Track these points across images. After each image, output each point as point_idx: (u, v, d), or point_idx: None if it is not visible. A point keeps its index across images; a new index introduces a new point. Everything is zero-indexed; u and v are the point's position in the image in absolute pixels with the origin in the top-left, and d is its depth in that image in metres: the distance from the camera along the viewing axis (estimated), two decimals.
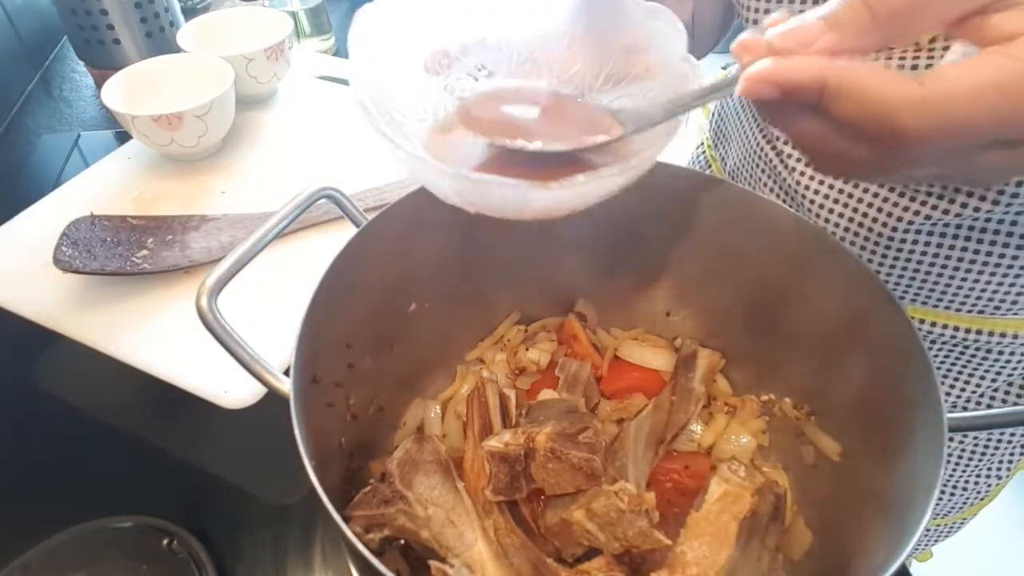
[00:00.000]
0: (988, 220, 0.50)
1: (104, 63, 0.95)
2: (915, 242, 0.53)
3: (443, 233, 0.51)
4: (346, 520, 0.32)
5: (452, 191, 0.37)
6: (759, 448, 0.52)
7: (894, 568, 0.31)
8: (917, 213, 0.52)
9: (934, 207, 0.51)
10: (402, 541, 0.44)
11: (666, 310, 0.58)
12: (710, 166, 0.77)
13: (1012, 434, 0.66)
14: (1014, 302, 0.54)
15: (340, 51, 1.12)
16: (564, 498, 0.44)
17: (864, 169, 0.31)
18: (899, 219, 0.53)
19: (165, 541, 0.51)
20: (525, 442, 0.44)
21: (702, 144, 0.81)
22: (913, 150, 0.27)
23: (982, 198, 0.49)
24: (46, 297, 0.63)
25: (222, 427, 0.60)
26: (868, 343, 0.43)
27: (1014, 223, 0.50)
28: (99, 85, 0.92)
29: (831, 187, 0.57)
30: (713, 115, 0.77)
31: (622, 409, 0.54)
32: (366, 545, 0.31)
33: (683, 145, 0.87)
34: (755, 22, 0.56)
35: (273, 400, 0.37)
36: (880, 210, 0.54)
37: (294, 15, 1.04)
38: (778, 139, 0.61)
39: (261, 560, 0.53)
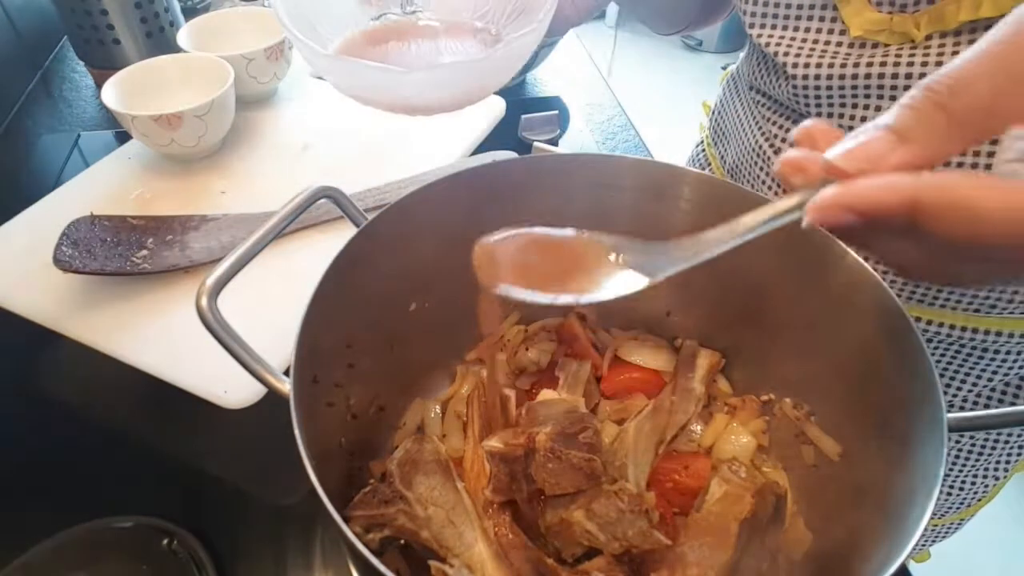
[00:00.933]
0: None
1: (104, 63, 0.95)
2: None
3: (443, 233, 0.51)
4: (346, 520, 0.32)
5: (333, 74, 0.45)
6: (759, 448, 0.52)
7: (894, 568, 0.31)
8: None
9: None
10: (402, 541, 0.44)
11: (666, 310, 0.58)
12: (709, 164, 0.77)
13: (1010, 434, 0.66)
14: (1010, 300, 0.54)
15: None
16: (564, 498, 0.44)
17: (970, 282, 0.29)
18: None
19: (165, 541, 0.51)
20: (525, 442, 0.44)
21: (702, 142, 0.81)
22: (990, 258, 0.25)
23: None
24: (46, 297, 0.63)
25: (222, 427, 0.60)
26: (868, 343, 0.43)
27: None
28: (99, 85, 0.92)
29: None
30: (713, 113, 0.77)
31: (622, 409, 0.54)
32: (366, 545, 0.31)
33: (683, 142, 0.88)
34: (751, 25, 0.56)
35: (273, 400, 0.37)
36: None
37: None
38: (776, 138, 0.61)
39: (261, 560, 0.53)
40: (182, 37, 0.85)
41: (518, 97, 1.04)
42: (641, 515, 0.42)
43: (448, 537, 0.42)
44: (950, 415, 0.36)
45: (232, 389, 0.56)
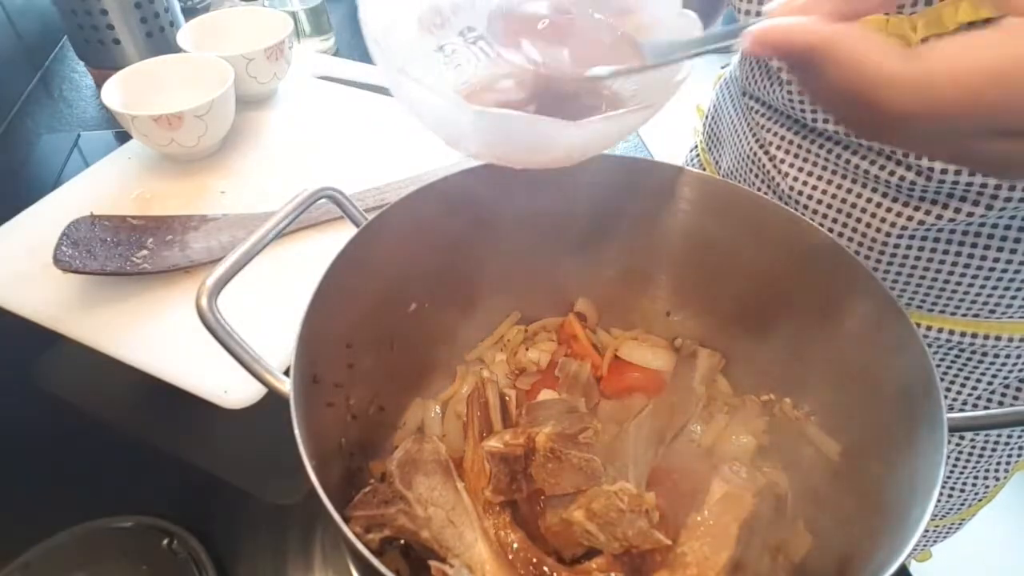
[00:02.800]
0: (982, 224, 0.50)
1: (104, 63, 0.95)
2: (908, 247, 0.53)
3: (443, 233, 0.51)
4: (346, 520, 0.32)
5: (474, 132, 0.36)
6: (759, 448, 0.52)
7: (894, 568, 0.31)
8: (910, 219, 0.52)
9: (927, 212, 0.51)
10: (402, 541, 0.44)
11: (666, 310, 0.58)
12: (704, 169, 0.77)
13: (1010, 435, 0.67)
14: (1008, 305, 0.54)
15: (340, 51, 1.12)
16: (564, 498, 0.44)
17: (868, 133, 0.30)
18: (892, 224, 0.53)
19: (165, 541, 0.51)
20: (525, 442, 0.44)
21: (696, 147, 0.81)
22: (895, 126, 0.26)
23: (975, 203, 0.49)
24: (46, 297, 0.63)
25: (222, 427, 0.60)
26: (869, 343, 0.43)
27: (1008, 227, 0.50)
28: (99, 85, 0.92)
29: (823, 192, 0.56)
30: (707, 118, 0.77)
31: (622, 409, 0.54)
32: (366, 545, 0.31)
33: (683, 143, 0.87)
34: (747, 12, 0.55)
35: (273, 400, 0.37)
36: (874, 215, 0.54)
37: (294, 15, 1.04)
38: (770, 144, 0.61)
39: (261, 560, 0.53)
40: (182, 37, 0.85)
41: None
42: (641, 515, 0.42)
43: (448, 537, 0.41)
44: (950, 415, 0.36)
45: (232, 389, 0.56)
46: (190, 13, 1.01)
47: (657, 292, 0.58)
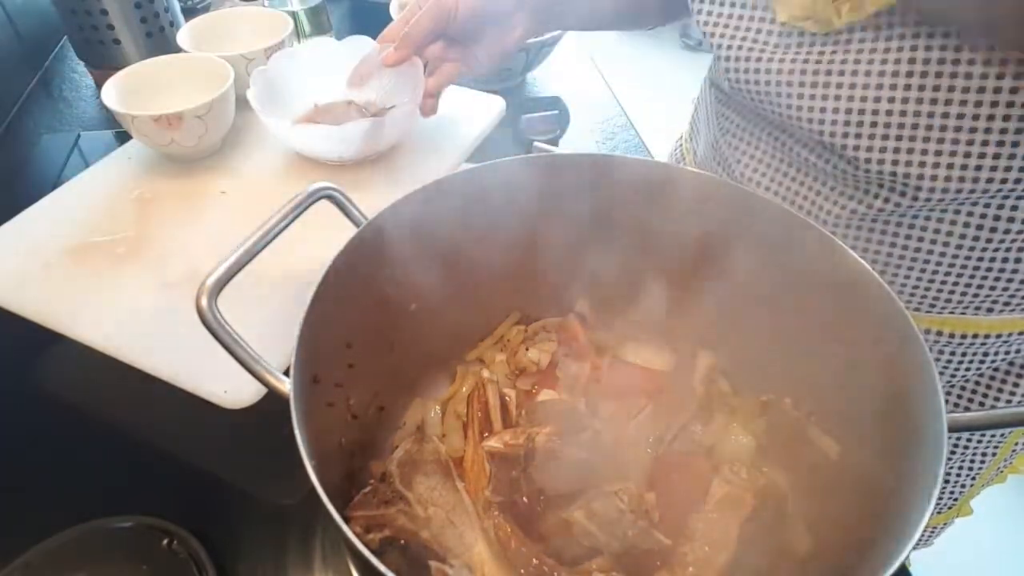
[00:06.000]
0: (915, 216, 0.52)
1: (104, 63, 0.95)
2: (845, 236, 0.55)
3: (443, 233, 0.51)
4: (346, 520, 0.32)
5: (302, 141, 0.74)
6: (759, 448, 0.52)
7: (894, 568, 0.31)
8: (844, 207, 0.54)
9: (860, 201, 0.53)
10: (402, 541, 0.44)
11: (666, 310, 0.58)
12: (684, 158, 0.78)
13: (970, 439, 0.67)
14: (947, 300, 0.55)
15: None
16: (564, 498, 0.44)
17: None
18: (830, 213, 0.55)
19: (165, 541, 0.51)
20: (525, 442, 0.44)
21: (681, 136, 0.82)
22: None
23: (902, 194, 0.50)
24: (46, 297, 0.63)
25: (222, 427, 0.60)
26: (868, 343, 0.43)
27: (940, 219, 0.51)
28: (99, 85, 0.92)
29: (771, 180, 0.59)
30: (694, 109, 0.78)
31: (622, 409, 0.54)
32: (366, 545, 0.31)
33: (665, 136, 0.88)
34: (705, 23, 0.57)
35: (273, 400, 0.37)
36: (814, 203, 0.56)
37: (294, 15, 1.04)
38: (727, 132, 0.63)
39: (261, 560, 0.53)
40: (182, 37, 0.85)
41: (518, 97, 1.04)
42: (641, 515, 0.42)
43: (448, 537, 0.42)
44: (950, 415, 0.36)
45: (232, 389, 0.55)
46: (190, 13, 1.01)
47: (657, 292, 0.58)
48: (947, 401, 0.63)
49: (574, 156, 0.56)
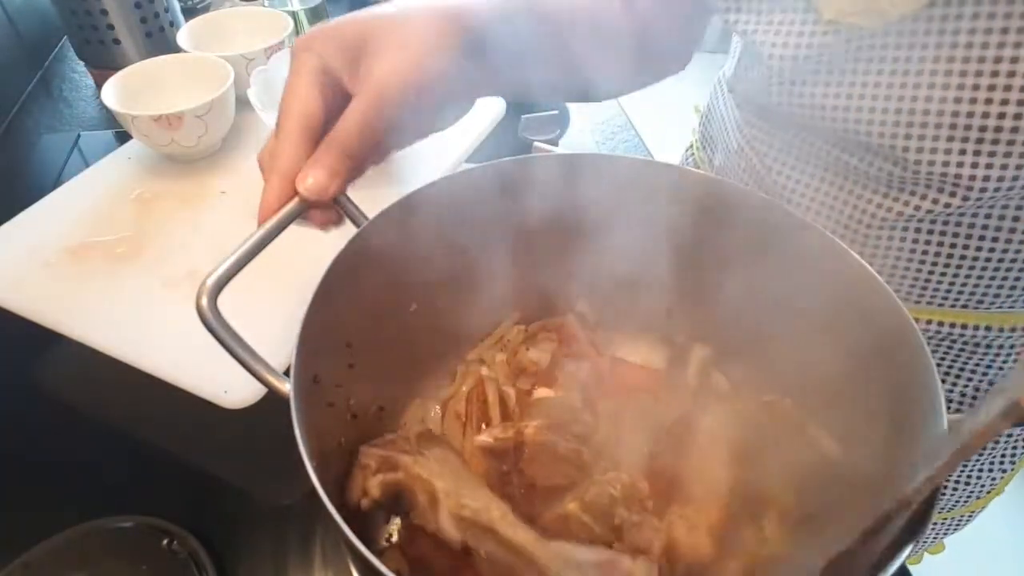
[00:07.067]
0: (962, 215, 0.51)
1: (104, 63, 0.95)
2: (891, 238, 0.54)
3: (443, 233, 0.51)
4: (360, 454, 0.31)
5: None
6: (758, 448, 0.52)
7: (894, 568, 0.31)
8: (889, 210, 0.53)
9: (906, 203, 0.52)
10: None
11: (666, 309, 0.58)
12: (698, 167, 0.77)
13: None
14: (996, 295, 0.55)
15: None
16: (558, 491, 0.44)
17: None
18: (874, 216, 0.54)
19: (165, 541, 0.51)
20: (514, 435, 0.44)
21: (691, 146, 0.81)
22: None
23: (952, 194, 0.49)
24: (46, 297, 0.63)
25: (222, 427, 0.60)
26: (868, 342, 0.43)
27: (988, 216, 0.51)
28: (99, 85, 0.92)
29: (807, 186, 0.57)
30: (702, 117, 0.78)
31: (622, 408, 0.54)
32: (367, 491, 0.31)
33: (682, 143, 0.88)
34: (726, 11, 0.54)
35: (273, 400, 0.37)
36: (855, 207, 0.55)
37: (294, 15, 1.04)
38: (757, 140, 0.61)
39: (261, 560, 0.53)
40: (182, 37, 0.85)
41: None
42: (634, 502, 0.42)
43: (464, 494, 0.41)
44: (951, 415, 0.36)
45: (232, 389, 0.56)
46: (190, 13, 1.01)
47: (657, 292, 0.58)
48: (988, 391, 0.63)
49: (574, 156, 0.56)
